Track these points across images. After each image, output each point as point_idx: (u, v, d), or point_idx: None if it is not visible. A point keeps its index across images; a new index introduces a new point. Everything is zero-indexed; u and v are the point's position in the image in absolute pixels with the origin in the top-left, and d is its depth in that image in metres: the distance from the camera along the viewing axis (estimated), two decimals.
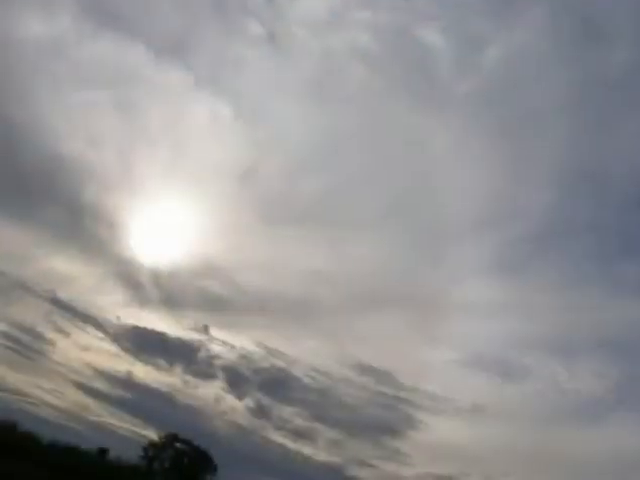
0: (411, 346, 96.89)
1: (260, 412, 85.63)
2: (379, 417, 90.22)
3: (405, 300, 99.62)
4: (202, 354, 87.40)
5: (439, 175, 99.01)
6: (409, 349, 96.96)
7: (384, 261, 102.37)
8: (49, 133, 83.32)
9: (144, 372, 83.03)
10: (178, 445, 53.37)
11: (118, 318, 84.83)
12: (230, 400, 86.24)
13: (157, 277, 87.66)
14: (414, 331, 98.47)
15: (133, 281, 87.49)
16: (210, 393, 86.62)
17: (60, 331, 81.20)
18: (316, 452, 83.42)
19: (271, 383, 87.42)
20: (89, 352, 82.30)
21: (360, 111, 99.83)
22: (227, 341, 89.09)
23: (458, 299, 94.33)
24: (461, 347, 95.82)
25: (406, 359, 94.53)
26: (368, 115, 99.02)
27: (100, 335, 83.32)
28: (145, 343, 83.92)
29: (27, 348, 76.82)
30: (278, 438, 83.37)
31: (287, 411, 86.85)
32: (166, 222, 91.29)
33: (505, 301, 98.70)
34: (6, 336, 75.10)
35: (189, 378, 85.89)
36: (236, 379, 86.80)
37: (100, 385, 79.73)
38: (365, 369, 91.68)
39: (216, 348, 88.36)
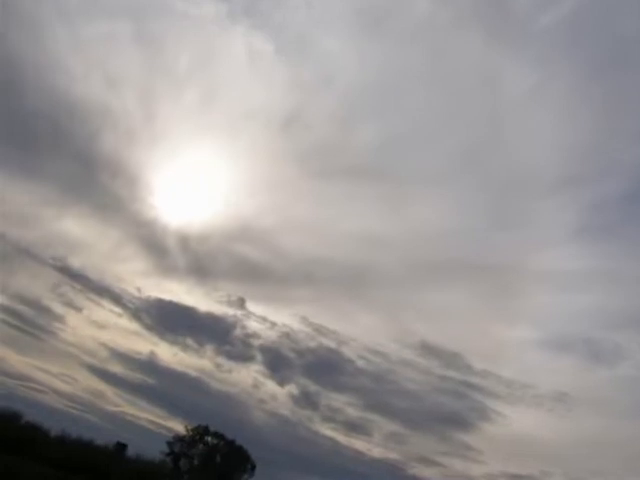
0: (483, 323, 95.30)
1: (305, 400, 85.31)
2: (445, 406, 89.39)
3: (476, 269, 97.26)
4: (237, 332, 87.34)
5: (516, 123, 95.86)
6: (481, 327, 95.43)
7: (452, 223, 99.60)
8: (59, 72, 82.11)
9: (169, 354, 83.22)
10: (209, 439, 52.58)
11: (139, 290, 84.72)
12: (270, 386, 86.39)
13: (184, 241, 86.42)
14: (487, 306, 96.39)
15: (156, 246, 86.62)
16: (247, 378, 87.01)
17: (71, 305, 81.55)
18: (371, 447, 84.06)
19: (318, 366, 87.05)
20: (105, 330, 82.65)
21: (423, 48, 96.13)
22: (266, 317, 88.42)
23: (538, 269, 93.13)
24: (542, 325, 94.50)
25: (477, 338, 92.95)
26: (432, 53, 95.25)
27: (118, 310, 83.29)
28: (170, 319, 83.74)
29: (32, 325, 77.00)
30: (327, 431, 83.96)
31: (337, 399, 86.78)
32: (195, 177, 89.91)
33: (594, 271, 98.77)
34: (7, 311, 75.17)
35: (222, 360, 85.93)
36: (277, 362, 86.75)
37: (118, 369, 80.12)
38: (429, 350, 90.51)
39: (254, 325, 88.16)
